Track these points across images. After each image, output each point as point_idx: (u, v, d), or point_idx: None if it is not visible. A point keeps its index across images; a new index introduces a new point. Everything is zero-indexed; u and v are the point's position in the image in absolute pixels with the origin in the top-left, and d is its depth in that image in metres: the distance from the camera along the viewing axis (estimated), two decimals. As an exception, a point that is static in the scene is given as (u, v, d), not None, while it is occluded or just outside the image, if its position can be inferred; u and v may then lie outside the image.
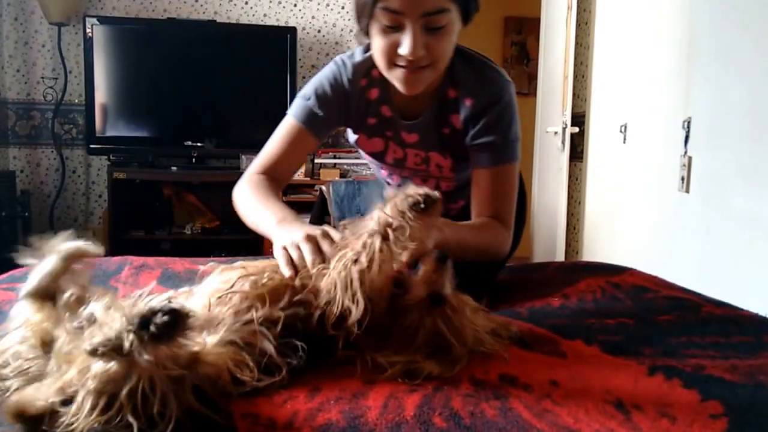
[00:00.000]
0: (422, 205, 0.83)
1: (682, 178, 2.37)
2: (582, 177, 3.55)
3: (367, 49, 1.27)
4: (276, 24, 4.01)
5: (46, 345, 0.72)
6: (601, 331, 1.03)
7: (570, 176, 3.54)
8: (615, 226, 3.11)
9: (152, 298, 0.64)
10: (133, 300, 0.64)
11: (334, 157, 3.94)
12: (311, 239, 0.92)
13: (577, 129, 3.46)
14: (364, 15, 1.14)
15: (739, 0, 2.11)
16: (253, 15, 4.02)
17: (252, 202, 1.21)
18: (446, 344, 0.84)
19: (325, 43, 4.09)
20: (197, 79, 3.76)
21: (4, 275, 1.31)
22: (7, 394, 0.69)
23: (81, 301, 0.77)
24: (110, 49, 3.63)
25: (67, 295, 0.78)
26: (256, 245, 3.43)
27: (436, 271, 0.88)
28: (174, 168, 3.65)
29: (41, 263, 0.81)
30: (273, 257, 0.94)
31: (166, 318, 0.61)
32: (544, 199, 3.77)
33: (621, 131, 3.02)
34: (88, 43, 3.55)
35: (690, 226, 2.35)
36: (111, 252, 3.02)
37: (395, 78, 1.18)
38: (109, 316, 0.63)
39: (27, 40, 3.84)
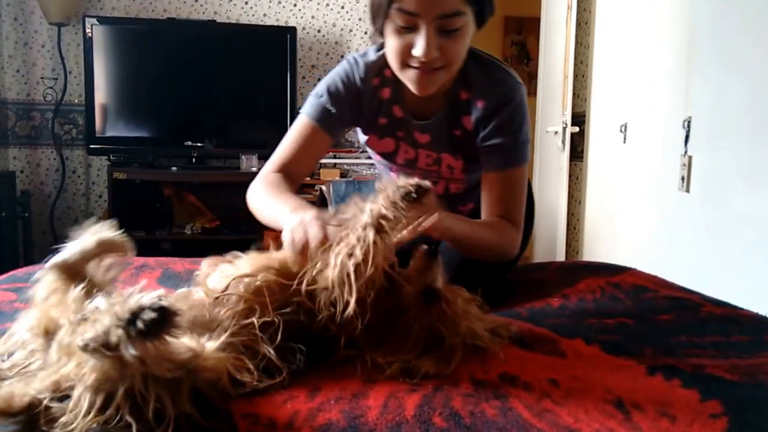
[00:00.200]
0: (414, 195, 0.83)
1: (683, 178, 2.37)
2: (582, 177, 3.55)
3: (380, 48, 1.26)
4: (276, 24, 4.00)
5: (50, 334, 0.72)
6: (601, 330, 1.03)
7: (570, 176, 3.54)
8: (615, 226, 3.11)
9: (143, 295, 0.63)
10: (125, 297, 0.64)
11: (334, 157, 3.94)
12: (317, 221, 0.91)
13: (577, 129, 3.46)
14: (379, 15, 1.13)
15: (739, 0, 2.11)
16: (253, 15, 4.02)
17: (268, 199, 1.20)
18: (440, 337, 0.84)
19: (325, 43, 4.09)
20: (197, 79, 3.76)
21: (4, 275, 1.31)
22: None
23: (90, 294, 0.77)
24: (110, 49, 3.63)
25: (81, 285, 0.78)
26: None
27: (426, 266, 0.88)
28: (174, 168, 3.64)
29: (76, 240, 0.83)
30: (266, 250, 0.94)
31: (154, 315, 0.60)
32: (545, 199, 3.76)
33: (621, 131, 3.02)
34: (87, 44, 3.55)
35: (690, 225, 2.35)
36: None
37: (408, 78, 1.18)
38: (105, 311, 0.63)
39: (27, 40, 3.83)
